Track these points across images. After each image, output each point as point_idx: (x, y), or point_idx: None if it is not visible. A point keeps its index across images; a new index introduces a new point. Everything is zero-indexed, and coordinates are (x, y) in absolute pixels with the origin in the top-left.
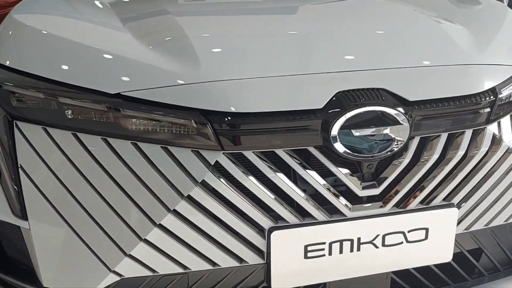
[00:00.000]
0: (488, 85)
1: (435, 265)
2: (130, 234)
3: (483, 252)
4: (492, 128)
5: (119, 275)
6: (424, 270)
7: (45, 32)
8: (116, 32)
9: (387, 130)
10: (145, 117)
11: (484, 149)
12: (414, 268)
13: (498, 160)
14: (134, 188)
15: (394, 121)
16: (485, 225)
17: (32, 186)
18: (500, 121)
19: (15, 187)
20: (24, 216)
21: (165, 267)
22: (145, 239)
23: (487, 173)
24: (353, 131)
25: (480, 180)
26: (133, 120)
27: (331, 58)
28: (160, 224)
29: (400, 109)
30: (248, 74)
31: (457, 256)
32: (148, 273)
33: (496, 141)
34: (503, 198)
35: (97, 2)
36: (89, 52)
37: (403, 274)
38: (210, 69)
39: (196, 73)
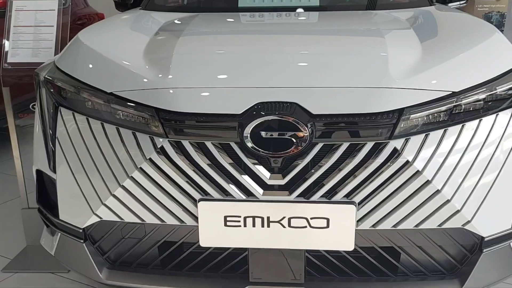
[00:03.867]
0: (391, 106)
1: (354, 257)
2: (105, 188)
3: (407, 254)
4: (395, 143)
5: (99, 217)
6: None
7: (88, 47)
8: (135, 49)
9: (289, 136)
10: (123, 110)
11: (381, 160)
12: (331, 255)
13: (398, 171)
14: (110, 158)
15: (296, 129)
16: (393, 227)
17: (60, 151)
18: (409, 138)
19: (52, 151)
20: (54, 171)
21: (128, 217)
22: (113, 194)
23: (386, 180)
24: (262, 133)
25: (380, 185)
26: (118, 111)
27: (261, 75)
28: (123, 185)
29: (303, 120)
30: (193, 84)
31: (377, 252)
32: (117, 219)
33: (397, 154)
34: (408, 204)
35: (152, 24)
36: (107, 63)
37: (320, 257)
38: (171, 79)
39: (161, 81)
